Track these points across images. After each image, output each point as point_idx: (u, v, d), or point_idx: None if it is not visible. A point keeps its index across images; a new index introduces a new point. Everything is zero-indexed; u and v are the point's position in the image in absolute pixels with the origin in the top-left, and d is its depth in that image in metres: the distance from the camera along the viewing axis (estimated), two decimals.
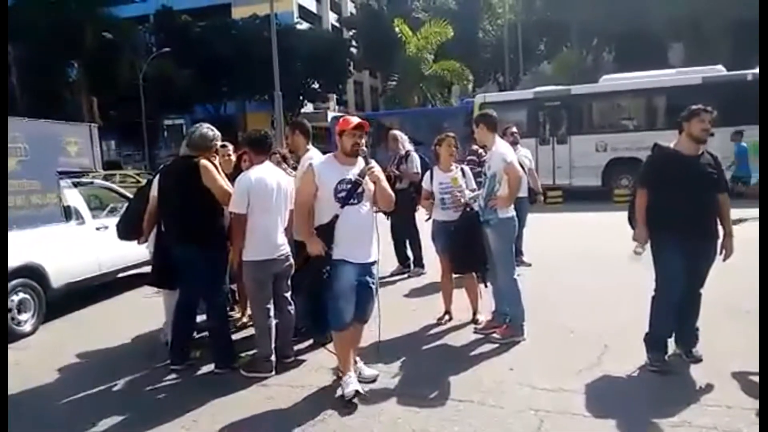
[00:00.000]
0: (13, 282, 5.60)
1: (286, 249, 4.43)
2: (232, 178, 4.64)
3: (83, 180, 7.17)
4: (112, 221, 5.86)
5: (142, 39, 36.97)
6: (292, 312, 4.55)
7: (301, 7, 44.39)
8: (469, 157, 6.63)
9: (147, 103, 30.39)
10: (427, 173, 5.41)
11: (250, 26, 35.20)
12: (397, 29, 27.96)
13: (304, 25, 40.70)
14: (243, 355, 4.59)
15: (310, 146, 4.86)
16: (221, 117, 36.23)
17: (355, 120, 3.83)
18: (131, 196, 6.42)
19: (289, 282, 4.51)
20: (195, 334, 4.79)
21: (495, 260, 4.79)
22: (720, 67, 14.52)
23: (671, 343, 4.11)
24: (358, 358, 4.08)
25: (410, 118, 21.12)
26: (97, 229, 6.62)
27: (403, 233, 7.36)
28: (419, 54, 27.83)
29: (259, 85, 31.87)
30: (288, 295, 4.52)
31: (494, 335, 4.76)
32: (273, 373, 4.26)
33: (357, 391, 3.69)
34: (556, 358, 4.34)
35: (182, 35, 34.85)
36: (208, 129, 4.47)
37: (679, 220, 3.86)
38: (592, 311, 5.40)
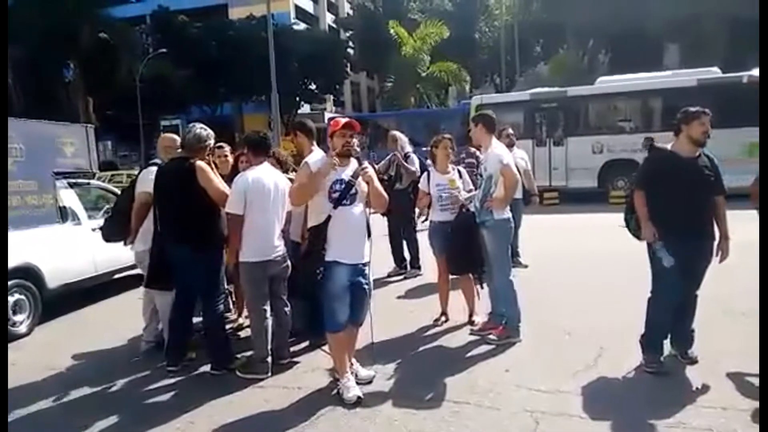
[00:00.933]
0: (9, 283, 5.58)
1: (283, 250, 4.43)
2: (229, 178, 4.64)
3: (80, 181, 7.14)
4: None
5: (139, 40, 36.91)
6: (289, 313, 4.55)
7: (297, 8, 44.45)
8: (467, 160, 6.64)
9: (144, 104, 30.34)
10: (425, 174, 5.41)
11: (246, 27, 35.21)
12: (392, 31, 27.97)
13: (300, 26, 40.73)
14: (239, 356, 4.57)
15: (315, 147, 4.79)
16: (218, 118, 36.21)
17: (343, 120, 3.85)
18: None
19: (285, 283, 4.51)
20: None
21: (491, 261, 4.80)
22: (715, 69, 14.57)
23: (667, 344, 4.12)
24: (354, 360, 4.08)
25: (407, 120, 21.16)
26: (93, 229, 6.58)
27: (400, 234, 7.37)
28: (415, 55, 27.87)
29: (256, 86, 31.87)
30: (284, 296, 4.51)
31: (490, 336, 4.76)
32: (269, 374, 4.26)
33: (359, 398, 3.69)
34: (552, 359, 4.35)
35: (179, 36, 34.87)
36: (201, 129, 4.48)
37: (677, 221, 3.87)
38: (588, 313, 5.41)
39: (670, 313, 4.02)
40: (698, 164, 3.97)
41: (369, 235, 3.86)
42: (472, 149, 6.64)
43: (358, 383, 3.90)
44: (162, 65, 32.66)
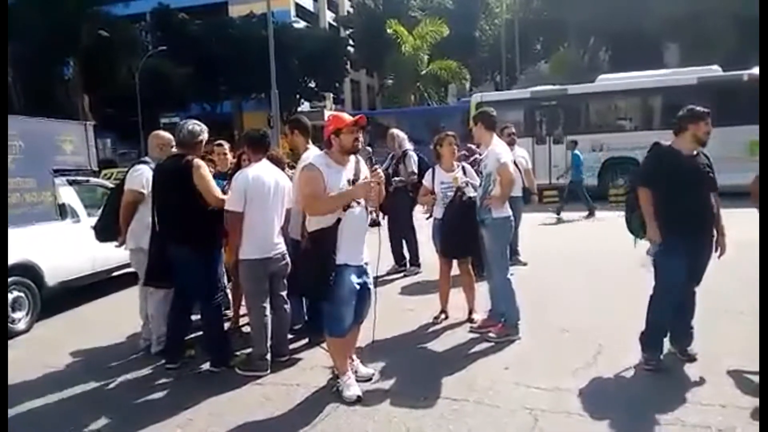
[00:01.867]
0: (8, 280, 5.57)
1: (283, 248, 4.42)
2: (232, 176, 4.64)
3: (79, 178, 7.13)
4: None
5: (139, 37, 36.86)
6: (288, 310, 4.55)
7: (298, 6, 44.38)
8: (472, 158, 6.65)
9: (143, 102, 30.32)
10: (429, 171, 5.40)
11: (246, 25, 35.17)
12: (390, 30, 27.91)
13: (301, 24, 40.68)
14: (238, 353, 4.58)
15: (310, 144, 4.80)
16: (218, 116, 36.19)
17: (348, 117, 3.75)
18: None
19: (285, 281, 4.50)
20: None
21: (489, 259, 4.80)
22: (716, 67, 14.56)
23: (666, 341, 4.12)
24: (354, 356, 4.08)
25: (407, 117, 21.15)
26: (93, 227, 6.59)
27: (400, 232, 7.37)
28: (415, 53, 27.83)
29: (256, 84, 31.83)
30: (284, 293, 4.51)
31: (489, 334, 4.76)
32: (268, 371, 4.25)
33: (359, 396, 3.68)
34: (551, 357, 4.35)
35: (179, 33, 34.82)
36: (194, 124, 4.48)
37: (683, 219, 3.84)
38: (587, 310, 5.41)
39: (671, 312, 4.02)
40: (698, 161, 3.98)
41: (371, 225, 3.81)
42: (471, 146, 6.64)
43: (357, 381, 3.89)
44: (162, 63, 32.63)
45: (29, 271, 5.86)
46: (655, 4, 26.16)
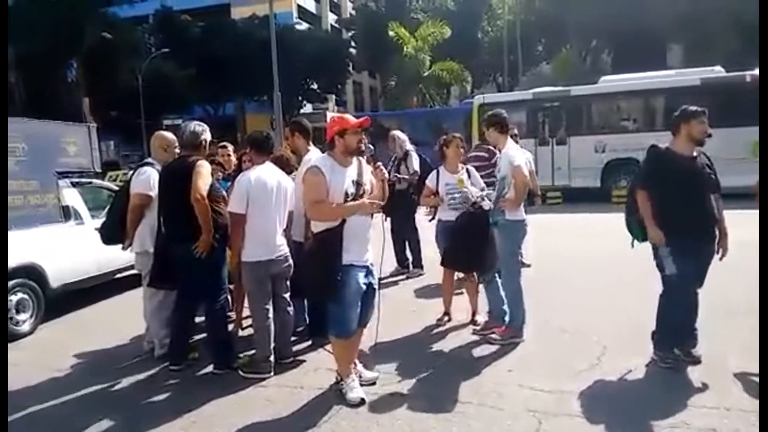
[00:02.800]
0: (12, 282, 5.60)
1: (285, 249, 4.42)
2: (233, 178, 4.64)
3: (82, 180, 7.15)
4: None
5: (142, 39, 36.93)
6: (291, 312, 4.55)
7: (300, 8, 44.42)
8: (493, 159, 6.66)
9: (146, 104, 30.35)
10: (433, 172, 5.39)
11: (249, 26, 35.19)
12: (392, 33, 27.92)
13: (303, 26, 40.71)
14: (242, 355, 4.58)
15: (311, 146, 4.82)
16: (221, 118, 36.24)
17: (353, 119, 3.77)
18: None
19: (287, 283, 4.51)
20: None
21: (500, 260, 4.78)
22: (719, 68, 14.54)
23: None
24: (357, 361, 4.07)
25: (409, 119, 21.14)
26: (96, 229, 6.58)
27: (402, 234, 7.36)
28: (417, 55, 27.84)
29: (259, 86, 31.85)
30: (287, 295, 4.51)
31: (493, 336, 4.75)
32: (272, 373, 4.26)
33: (362, 399, 3.68)
34: (555, 359, 4.34)
35: (181, 35, 34.86)
36: (196, 125, 4.50)
37: (682, 222, 3.84)
38: (591, 312, 5.40)
39: (681, 312, 3.99)
40: (698, 163, 3.97)
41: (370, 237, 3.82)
42: (490, 147, 6.67)
43: (361, 384, 3.89)
44: (165, 65, 32.66)
45: (33, 273, 5.87)
46: (658, 5, 26.15)
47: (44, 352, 5.28)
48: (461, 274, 5.32)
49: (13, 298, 5.63)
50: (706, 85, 13.19)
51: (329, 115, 32.32)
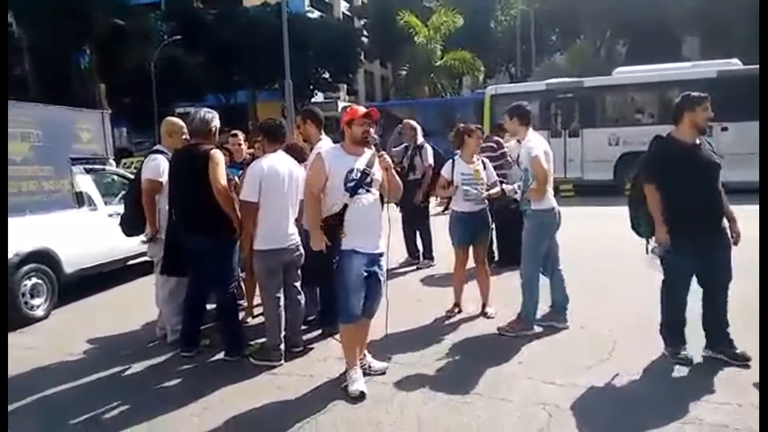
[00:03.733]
0: (26, 267, 5.66)
1: (297, 238, 4.43)
2: (247, 165, 4.65)
3: (96, 166, 7.19)
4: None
5: (154, 26, 36.95)
6: (302, 301, 4.57)
7: None
8: (500, 151, 6.67)
9: (158, 91, 30.41)
10: (448, 162, 5.36)
11: (261, 14, 35.07)
12: (402, 21, 27.73)
13: (315, 14, 40.52)
14: (253, 343, 4.61)
15: (323, 135, 4.81)
16: (232, 106, 36.24)
17: (363, 109, 3.83)
18: None
19: (299, 272, 4.52)
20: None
21: (522, 249, 4.76)
22: (735, 60, 14.32)
23: (701, 340, 4.02)
24: (366, 352, 4.08)
25: (421, 109, 21.04)
26: (109, 215, 6.64)
27: (414, 225, 7.35)
28: (429, 44, 27.65)
29: (270, 74, 31.83)
30: (298, 284, 4.53)
31: (504, 328, 4.75)
32: (282, 361, 4.28)
33: (362, 392, 3.68)
34: (565, 353, 4.33)
35: (193, 23, 34.81)
36: (205, 112, 4.51)
37: (694, 215, 3.75)
38: (602, 306, 5.38)
39: (683, 307, 3.95)
40: (703, 150, 3.86)
41: (384, 225, 3.82)
42: (498, 139, 6.67)
43: (372, 374, 3.91)
44: (177, 52, 32.67)
45: (47, 259, 5.92)
46: None
47: (58, 337, 5.34)
48: (473, 265, 5.31)
49: (28, 283, 5.69)
50: (723, 78, 13.00)
51: (340, 104, 32.31)
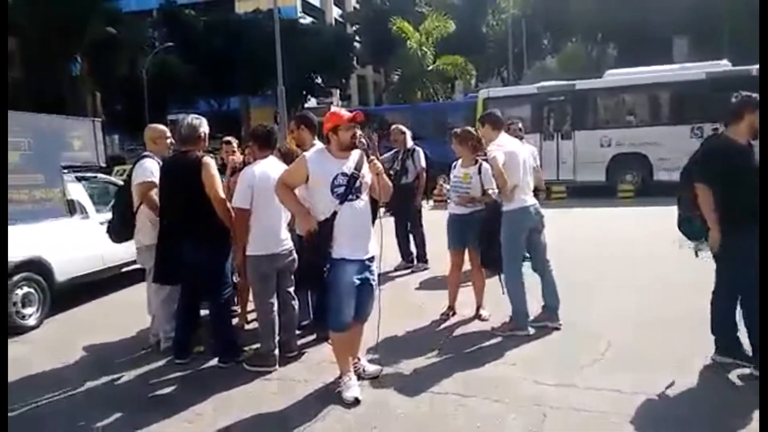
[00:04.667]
0: (18, 276, 5.62)
1: (289, 244, 4.43)
2: (239, 171, 4.64)
3: (87, 174, 7.17)
4: None
5: (146, 34, 36.93)
6: (296, 306, 4.56)
7: (304, 2, 44.29)
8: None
9: (151, 98, 30.37)
10: (453, 164, 5.42)
11: (253, 21, 35.11)
12: (395, 27, 27.82)
13: (307, 20, 40.61)
14: (246, 349, 4.59)
15: (316, 141, 4.80)
16: (225, 112, 36.23)
17: (347, 113, 3.75)
18: None
19: (292, 277, 4.51)
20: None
21: (502, 250, 4.78)
22: (725, 62, 14.44)
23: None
24: (360, 356, 4.07)
25: (413, 113, 21.07)
26: (101, 223, 6.59)
27: (406, 228, 7.37)
28: (421, 49, 27.74)
29: (263, 80, 31.89)
30: (291, 289, 4.52)
31: (496, 328, 4.77)
32: (276, 367, 4.27)
33: (356, 399, 3.65)
34: (559, 353, 4.34)
35: (186, 30, 34.82)
36: (193, 118, 4.51)
37: (751, 216, 3.52)
38: (595, 306, 5.39)
39: (733, 308, 3.78)
40: (754, 152, 3.73)
41: (372, 228, 3.80)
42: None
43: (365, 378, 3.91)
44: (169, 59, 32.66)
45: (39, 267, 5.89)
46: None
47: (50, 346, 5.31)
48: (468, 267, 5.32)
49: (19, 292, 5.64)
50: (712, 80, 13.10)
51: (333, 109, 32.27)
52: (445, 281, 5.55)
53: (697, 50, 25.30)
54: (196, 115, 4.57)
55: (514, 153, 4.68)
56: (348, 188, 3.60)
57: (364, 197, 3.71)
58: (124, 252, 6.63)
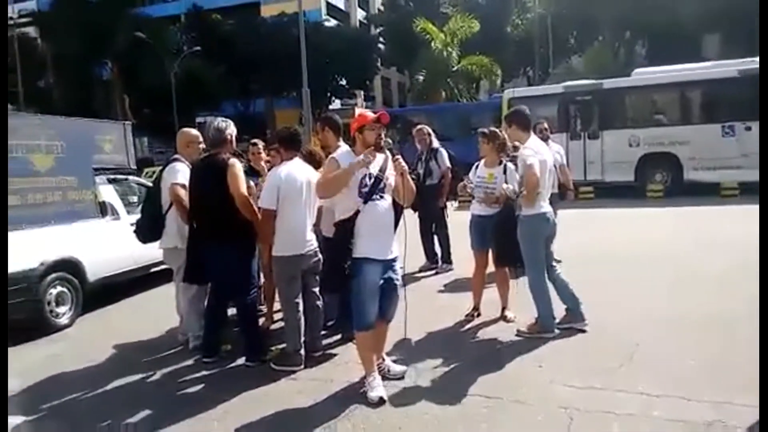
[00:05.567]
0: (52, 275, 5.77)
1: (315, 244, 4.46)
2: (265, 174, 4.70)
3: (118, 176, 7.32)
4: None
5: (174, 38, 37.58)
6: (321, 306, 4.59)
7: (329, 5, 44.55)
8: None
9: (178, 101, 30.88)
10: (475, 165, 5.39)
11: (278, 24, 35.48)
12: (419, 28, 27.79)
13: (332, 22, 40.85)
14: (273, 348, 4.64)
15: (341, 142, 4.82)
16: (250, 114, 36.68)
17: (371, 114, 3.81)
18: None
19: (317, 277, 4.55)
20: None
21: (523, 255, 4.75)
22: (758, 59, 14.08)
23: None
24: (385, 356, 4.08)
25: (437, 114, 21.03)
26: (132, 224, 6.74)
27: (431, 229, 7.35)
28: (445, 50, 27.66)
29: (288, 82, 32.13)
30: (316, 289, 4.55)
31: (522, 330, 4.73)
32: (302, 366, 4.30)
33: (381, 398, 3.66)
34: (586, 355, 4.29)
35: (212, 34, 35.36)
36: (219, 121, 4.56)
37: None
38: (623, 308, 5.31)
39: None
40: None
41: (395, 229, 3.81)
42: (515, 143, 6.63)
43: (390, 379, 3.91)
44: (196, 63, 33.21)
45: (72, 267, 6.03)
46: None
47: (81, 344, 5.44)
48: (492, 269, 5.29)
49: (53, 291, 5.79)
50: (745, 77, 12.79)
51: (357, 110, 32.39)
52: (470, 282, 5.53)
53: (729, 47, 24.70)
54: (223, 119, 4.64)
55: (545, 162, 4.66)
56: (372, 188, 3.64)
57: (388, 197, 3.74)
58: (154, 253, 6.75)
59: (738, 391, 3.51)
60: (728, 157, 12.75)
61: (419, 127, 7.67)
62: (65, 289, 5.94)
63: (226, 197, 4.28)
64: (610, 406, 3.45)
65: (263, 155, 6.05)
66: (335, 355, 4.57)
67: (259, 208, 4.36)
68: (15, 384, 4.23)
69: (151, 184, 7.90)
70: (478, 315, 5.29)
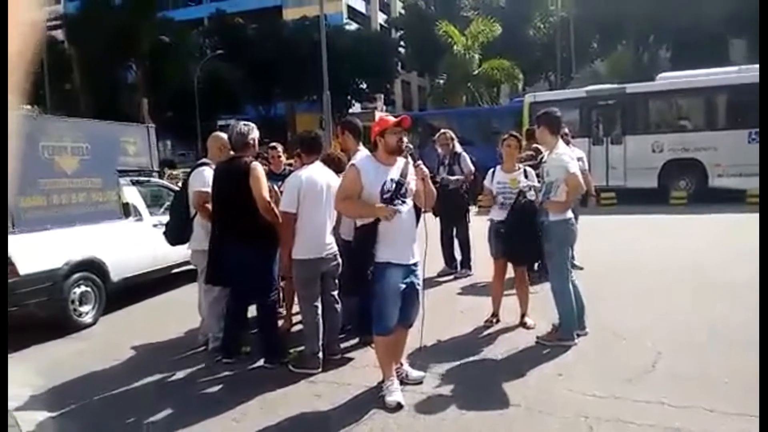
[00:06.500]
0: (76, 275, 5.86)
1: (334, 248, 4.48)
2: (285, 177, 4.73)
3: (141, 178, 7.43)
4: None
5: (197, 42, 38.07)
6: (339, 310, 4.60)
7: (350, 8, 44.79)
8: (539, 157, 6.60)
9: (201, 104, 31.27)
10: (490, 171, 5.37)
11: (300, 28, 35.76)
12: (441, 31, 27.75)
13: (353, 26, 41.05)
14: (292, 351, 4.66)
15: (360, 146, 4.84)
16: (271, 117, 36.97)
17: (392, 118, 3.83)
18: None
19: (336, 281, 4.56)
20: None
21: (547, 262, 4.72)
22: None
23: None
24: (403, 361, 4.08)
25: (458, 118, 20.97)
26: (154, 225, 6.84)
27: (451, 234, 7.33)
28: (466, 53, 27.57)
29: (308, 86, 32.36)
30: (335, 293, 4.57)
31: (541, 337, 4.69)
32: (320, 369, 4.32)
33: (399, 403, 3.65)
34: (607, 364, 4.24)
35: (235, 38, 35.78)
36: (242, 125, 4.60)
37: None
38: (645, 316, 5.24)
39: None
40: None
41: (417, 234, 3.81)
42: (537, 146, 6.59)
43: (408, 384, 3.90)
44: (218, 66, 33.60)
45: (95, 267, 6.12)
46: None
47: (104, 343, 5.52)
48: (512, 275, 5.25)
49: (77, 291, 5.89)
50: None
51: (377, 114, 32.46)
52: (489, 287, 5.50)
53: (755, 52, 24.25)
54: (246, 122, 4.68)
55: (579, 164, 4.63)
56: (394, 194, 3.63)
57: (409, 202, 3.73)
58: (175, 254, 6.83)
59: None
60: (755, 163, 12.54)
61: (442, 131, 7.66)
62: (89, 289, 6.03)
63: (247, 199, 4.32)
64: (630, 416, 3.40)
65: (283, 158, 6.10)
66: (353, 359, 4.58)
67: (280, 211, 4.39)
68: (39, 381, 4.32)
69: (172, 186, 8.05)
70: (497, 321, 5.26)
